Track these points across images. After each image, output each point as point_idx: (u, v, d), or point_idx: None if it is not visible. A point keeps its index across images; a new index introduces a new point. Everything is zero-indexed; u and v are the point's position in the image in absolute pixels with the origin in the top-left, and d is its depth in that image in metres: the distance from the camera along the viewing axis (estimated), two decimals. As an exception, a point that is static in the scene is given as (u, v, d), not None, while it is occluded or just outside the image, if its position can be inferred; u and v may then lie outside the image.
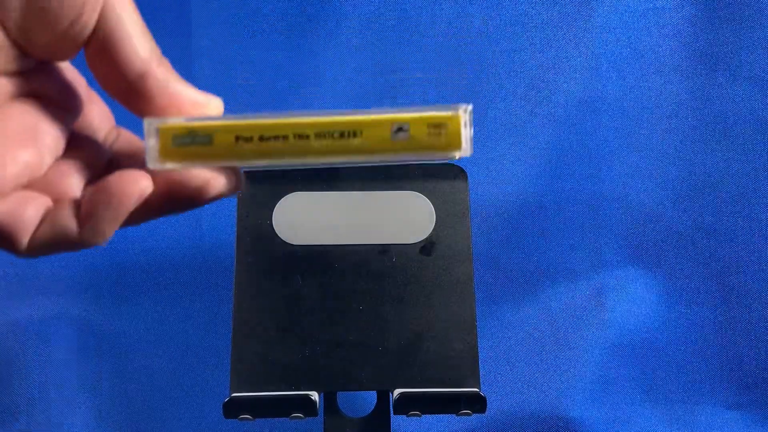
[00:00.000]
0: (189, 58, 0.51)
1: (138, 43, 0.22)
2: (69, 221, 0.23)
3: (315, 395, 0.34)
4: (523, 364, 0.53)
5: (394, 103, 0.53)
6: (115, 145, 0.28)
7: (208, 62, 0.52)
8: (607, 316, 0.54)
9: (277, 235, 0.37)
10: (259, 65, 0.52)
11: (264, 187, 0.38)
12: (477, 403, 0.35)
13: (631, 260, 0.54)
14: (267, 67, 0.52)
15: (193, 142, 0.23)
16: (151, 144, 0.23)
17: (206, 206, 0.51)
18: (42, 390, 0.52)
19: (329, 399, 0.37)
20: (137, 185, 0.22)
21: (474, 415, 0.35)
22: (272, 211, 0.37)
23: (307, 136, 0.24)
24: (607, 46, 0.53)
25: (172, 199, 0.24)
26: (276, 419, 0.35)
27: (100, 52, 0.22)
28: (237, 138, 0.23)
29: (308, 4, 0.52)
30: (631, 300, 0.54)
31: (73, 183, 0.24)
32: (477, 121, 0.58)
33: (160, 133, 0.23)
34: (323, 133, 0.24)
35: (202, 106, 0.24)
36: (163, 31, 0.51)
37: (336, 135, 0.24)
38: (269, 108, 0.53)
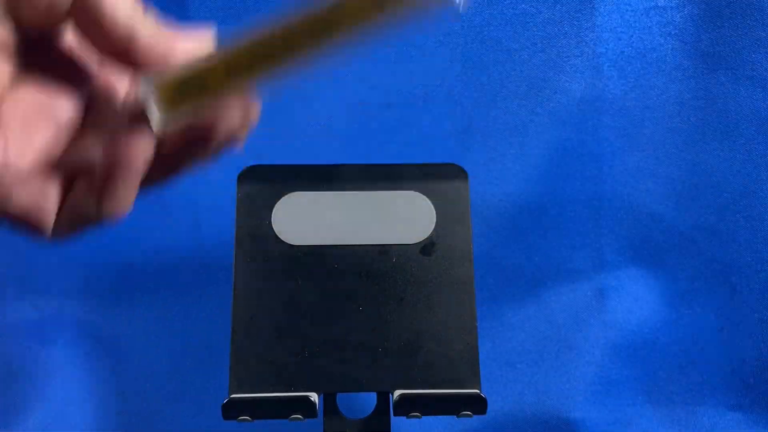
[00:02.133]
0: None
1: (116, 4, 0.22)
2: (89, 199, 0.23)
3: (314, 396, 0.34)
4: (524, 364, 0.53)
5: (394, 102, 0.52)
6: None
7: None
8: (608, 316, 0.54)
9: (276, 235, 0.37)
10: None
11: (264, 187, 0.38)
12: (477, 405, 0.34)
13: (633, 260, 0.54)
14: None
15: (189, 89, 0.23)
16: (150, 106, 0.23)
17: (206, 206, 0.51)
18: (42, 390, 0.52)
19: (329, 400, 0.37)
20: (140, 151, 0.22)
21: (474, 417, 0.35)
22: (272, 211, 0.37)
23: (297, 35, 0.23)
24: (608, 45, 0.53)
25: (192, 146, 0.24)
26: (275, 420, 0.35)
27: (84, 20, 0.22)
28: (228, 71, 0.23)
29: (309, 3, 0.52)
30: (632, 300, 0.54)
31: (92, 155, 0.23)
32: (477, 121, 0.58)
33: (157, 91, 0.23)
34: (309, 22, 0.23)
35: (196, 49, 0.24)
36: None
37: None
38: (267, 108, 0.53)
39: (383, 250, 0.37)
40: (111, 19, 0.22)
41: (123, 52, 0.23)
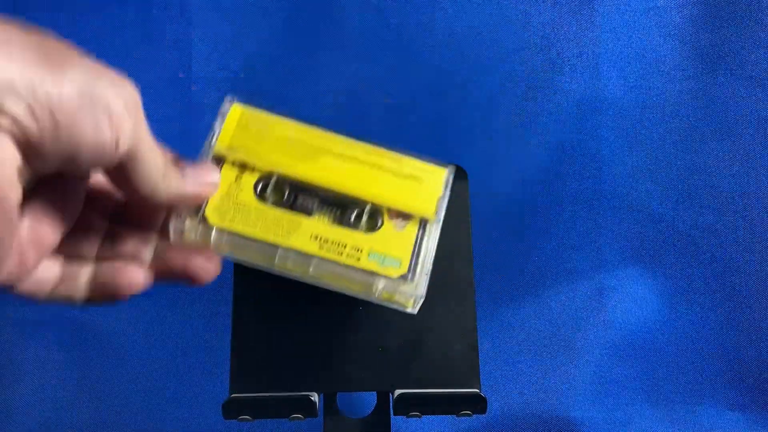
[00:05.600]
0: (189, 58, 0.51)
1: (152, 171, 0.26)
2: (79, 293, 0.27)
3: (314, 396, 0.34)
4: (524, 364, 0.53)
5: (394, 102, 0.52)
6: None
7: (208, 62, 0.52)
8: (608, 316, 0.54)
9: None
10: (258, 64, 0.52)
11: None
12: (477, 404, 0.34)
13: (632, 260, 0.54)
14: (267, 66, 0.52)
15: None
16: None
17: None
18: (40, 390, 0.52)
19: (329, 400, 0.37)
20: (135, 281, 0.27)
21: (474, 416, 0.35)
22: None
23: None
24: (607, 45, 0.53)
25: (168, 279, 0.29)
26: (276, 420, 0.35)
27: (118, 175, 0.25)
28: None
29: (309, 3, 0.52)
30: (631, 300, 0.54)
31: (87, 248, 0.28)
32: (477, 121, 0.58)
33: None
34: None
35: (205, 191, 0.29)
36: (163, 30, 0.51)
37: None
38: (268, 105, 0.53)
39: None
40: (142, 183, 0.26)
41: (141, 201, 0.26)
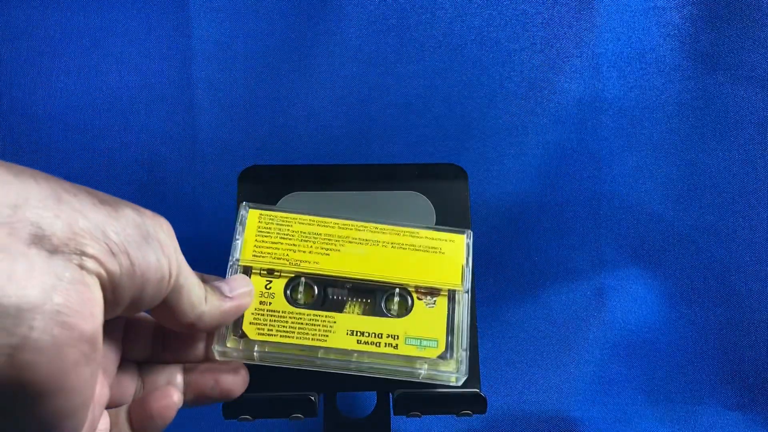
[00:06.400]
0: (189, 57, 0.51)
1: (195, 296, 0.27)
2: None
3: (314, 396, 0.34)
4: (524, 364, 0.53)
5: (394, 102, 0.52)
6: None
7: (208, 62, 0.52)
8: (608, 316, 0.54)
9: (276, 235, 0.37)
10: (258, 64, 0.52)
11: (264, 187, 0.38)
12: (477, 404, 0.34)
13: (632, 260, 0.54)
14: (266, 67, 0.52)
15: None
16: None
17: (205, 205, 0.51)
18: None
19: (329, 400, 0.37)
20: (172, 401, 0.28)
21: (474, 416, 0.35)
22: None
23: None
24: (607, 45, 0.53)
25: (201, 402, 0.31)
26: (276, 420, 0.35)
27: (164, 309, 0.26)
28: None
29: (309, 3, 0.52)
30: (631, 300, 0.54)
31: (129, 391, 0.30)
32: (477, 121, 0.58)
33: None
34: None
35: (245, 302, 0.30)
36: (163, 29, 0.51)
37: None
38: (267, 107, 0.53)
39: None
40: (187, 309, 0.27)
41: (185, 328, 0.28)
